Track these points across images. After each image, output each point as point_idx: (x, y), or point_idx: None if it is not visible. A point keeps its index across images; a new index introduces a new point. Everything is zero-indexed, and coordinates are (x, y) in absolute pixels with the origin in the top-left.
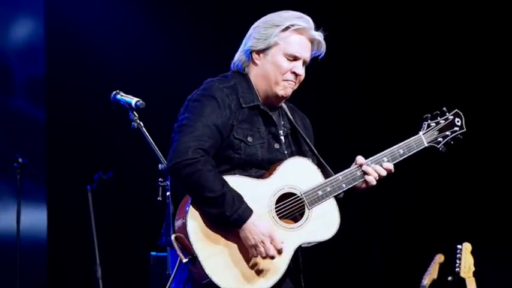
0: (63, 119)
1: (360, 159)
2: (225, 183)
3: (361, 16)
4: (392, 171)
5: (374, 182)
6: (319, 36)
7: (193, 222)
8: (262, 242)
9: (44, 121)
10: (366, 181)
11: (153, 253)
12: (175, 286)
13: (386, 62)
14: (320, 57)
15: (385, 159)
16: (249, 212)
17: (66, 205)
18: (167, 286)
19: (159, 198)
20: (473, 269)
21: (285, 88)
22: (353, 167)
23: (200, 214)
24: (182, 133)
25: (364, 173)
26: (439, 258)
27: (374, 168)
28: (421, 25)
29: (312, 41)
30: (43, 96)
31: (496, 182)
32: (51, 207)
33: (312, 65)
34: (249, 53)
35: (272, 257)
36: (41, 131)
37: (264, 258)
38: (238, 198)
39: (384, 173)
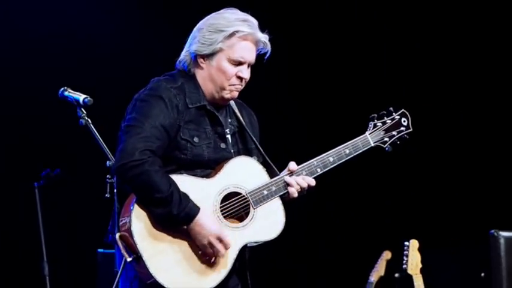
0: (10, 115)
1: (291, 165)
2: (172, 182)
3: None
4: (311, 185)
5: (295, 194)
6: (264, 38)
7: (138, 221)
8: (210, 243)
9: None
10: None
11: (100, 250)
12: (122, 284)
13: (340, 61)
14: (266, 56)
15: (310, 170)
16: (196, 209)
17: (12, 202)
18: (114, 285)
19: (107, 195)
20: (420, 265)
21: (231, 92)
22: (283, 173)
23: (145, 212)
24: (129, 134)
25: (287, 183)
26: (386, 255)
27: (295, 179)
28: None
29: (257, 43)
30: None
31: (444, 180)
32: None
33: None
34: (194, 56)
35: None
36: None
37: (212, 258)
38: (184, 196)
39: (304, 185)
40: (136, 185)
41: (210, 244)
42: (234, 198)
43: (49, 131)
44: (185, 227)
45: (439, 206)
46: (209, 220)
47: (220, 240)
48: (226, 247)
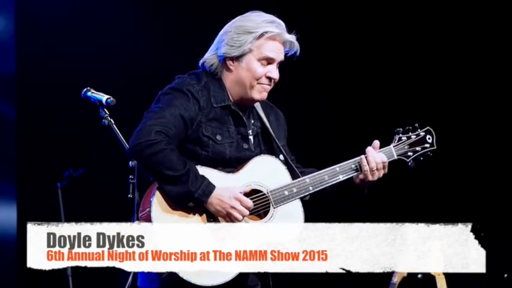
0: (34, 116)
1: (375, 143)
2: (187, 162)
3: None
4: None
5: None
6: (291, 38)
7: (158, 214)
8: (233, 207)
9: (14, 118)
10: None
11: None
12: (142, 281)
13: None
14: (295, 57)
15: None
16: (212, 186)
17: (36, 202)
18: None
19: (130, 196)
20: None
21: (261, 92)
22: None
23: (166, 203)
24: (148, 118)
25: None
26: None
27: (374, 156)
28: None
29: (285, 43)
30: (13, 94)
31: (466, 181)
32: (21, 205)
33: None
34: (223, 59)
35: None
36: (11, 128)
37: (240, 220)
38: (200, 175)
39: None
40: (152, 163)
41: (233, 208)
42: (255, 196)
43: (72, 131)
44: (204, 205)
45: (462, 206)
46: (225, 190)
47: (240, 200)
48: (247, 207)
